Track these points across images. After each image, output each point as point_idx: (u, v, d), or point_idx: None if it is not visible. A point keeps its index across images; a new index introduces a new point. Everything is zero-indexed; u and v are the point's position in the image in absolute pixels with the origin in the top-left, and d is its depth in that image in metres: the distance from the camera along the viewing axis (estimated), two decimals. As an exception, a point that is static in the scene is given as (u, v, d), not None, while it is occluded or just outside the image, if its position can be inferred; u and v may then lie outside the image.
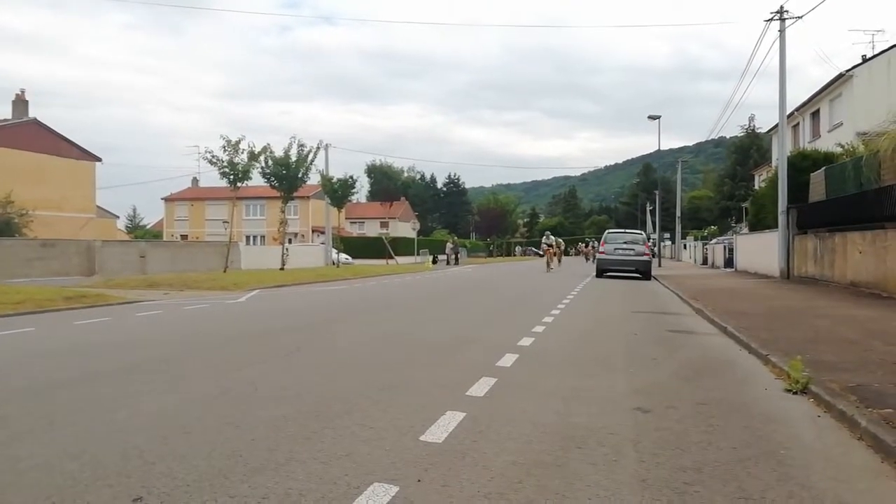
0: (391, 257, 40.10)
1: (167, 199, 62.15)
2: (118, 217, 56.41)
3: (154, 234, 61.77)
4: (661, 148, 38.49)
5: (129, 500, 2.43)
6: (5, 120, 34.96)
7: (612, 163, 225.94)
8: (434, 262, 40.59)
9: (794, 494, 2.64)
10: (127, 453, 2.97)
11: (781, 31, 18.80)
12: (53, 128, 37.03)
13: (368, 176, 78.69)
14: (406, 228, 58.00)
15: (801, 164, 19.79)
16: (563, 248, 38.81)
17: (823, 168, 18.02)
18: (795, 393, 4.47)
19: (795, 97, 26.34)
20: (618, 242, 21.99)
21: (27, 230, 30.14)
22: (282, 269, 26.09)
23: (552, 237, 31.72)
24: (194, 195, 61.07)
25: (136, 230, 68.47)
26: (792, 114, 27.96)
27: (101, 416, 3.69)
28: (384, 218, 69.07)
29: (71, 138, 37.79)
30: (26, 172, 32.42)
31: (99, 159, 39.70)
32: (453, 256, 41.62)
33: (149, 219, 75.13)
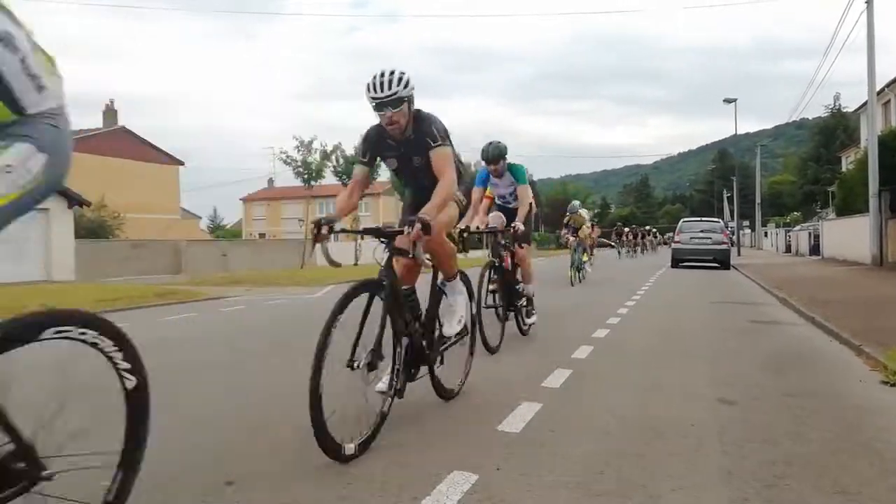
0: (464, 251, 40.20)
1: (245, 200, 64.57)
2: (200, 218, 59.17)
3: (234, 234, 64.24)
4: (738, 132, 36.70)
5: (223, 484, 2.56)
6: (97, 129, 37.20)
7: (686, 149, 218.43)
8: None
9: (895, 489, 2.51)
10: (218, 443, 3.13)
11: (868, 1, 17.68)
12: (140, 134, 39.17)
13: (437, 171, 79.02)
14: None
15: (894, 144, 18.59)
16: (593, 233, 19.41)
17: (919, 147, 16.88)
18: (894, 385, 4.23)
19: (886, 72, 24.65)
20: (694, 231, 21.32)
21: (119, 232, 32.02)
22: (355, 264, 26.64)
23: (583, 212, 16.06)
24: (270, 195, 63.14)
25: (217, 230, 71.32)
26: (882, 90, 26.20)
27: (198, 406, 3.89)
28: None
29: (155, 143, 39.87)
30: (117, 177, 34.41)
31: (182, 163, 41.70)
32: None
33: (228, 219, 78.17)
